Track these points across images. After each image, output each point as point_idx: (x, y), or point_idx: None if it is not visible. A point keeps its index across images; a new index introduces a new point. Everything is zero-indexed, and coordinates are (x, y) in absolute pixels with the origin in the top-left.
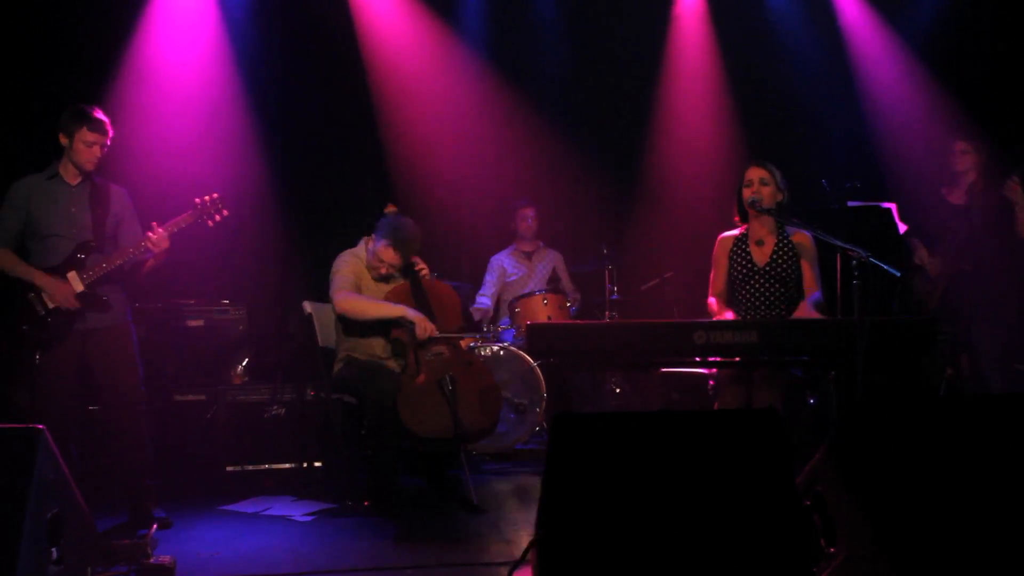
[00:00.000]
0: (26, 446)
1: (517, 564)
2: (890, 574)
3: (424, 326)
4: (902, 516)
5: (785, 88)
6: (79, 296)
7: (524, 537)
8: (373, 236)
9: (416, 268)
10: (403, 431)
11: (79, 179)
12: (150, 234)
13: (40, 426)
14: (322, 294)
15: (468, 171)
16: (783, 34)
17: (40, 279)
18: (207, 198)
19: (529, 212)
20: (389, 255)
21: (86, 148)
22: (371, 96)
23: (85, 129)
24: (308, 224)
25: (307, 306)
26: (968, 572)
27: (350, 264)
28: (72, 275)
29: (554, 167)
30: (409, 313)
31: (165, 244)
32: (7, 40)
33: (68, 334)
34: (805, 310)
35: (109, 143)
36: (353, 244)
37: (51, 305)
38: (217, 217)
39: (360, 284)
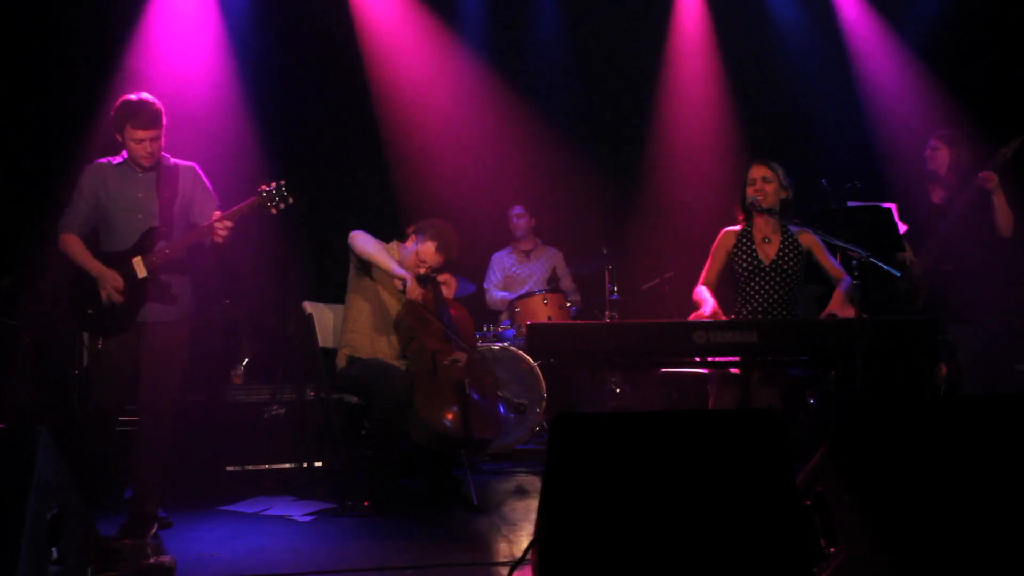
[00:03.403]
0: (26, 446)
1: (517, 564)
2: (890, 574)
3: (412, 285)
4: (902, 516)
5: (785, 88)
6: (142, 282)
7: (524, 537)
8: (414, 236)
9: (440, 280)
10: (417, 424)
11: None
12: (213, 223)
13: (40, 426)
14: (322, 294)
15: (468, 171)
16: (783, 34)
17: (94, 268)
18: (273, 184)
19: (516, 210)
20: (433, 256)
21: (137, 145)
22: (371, 96)
23: (129, 127)
24: (308, 224)
25: (307, 306)
26: (968, 572)
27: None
28: (137, 260)
29: (554, 167)
30: (396, 269)
31: (226, 233)
32: (6, 41)
33: (129, 325)
34: (840, 301)
35: (164, 133)
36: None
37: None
38: (282, 205)
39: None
